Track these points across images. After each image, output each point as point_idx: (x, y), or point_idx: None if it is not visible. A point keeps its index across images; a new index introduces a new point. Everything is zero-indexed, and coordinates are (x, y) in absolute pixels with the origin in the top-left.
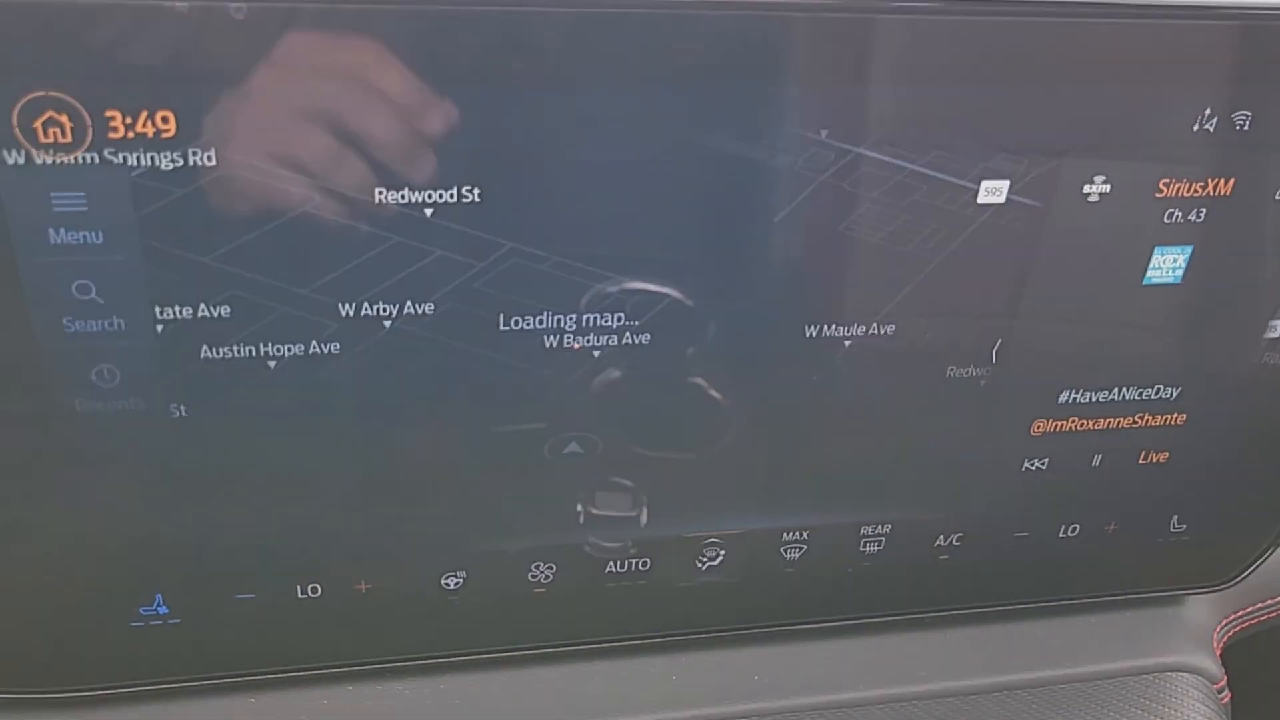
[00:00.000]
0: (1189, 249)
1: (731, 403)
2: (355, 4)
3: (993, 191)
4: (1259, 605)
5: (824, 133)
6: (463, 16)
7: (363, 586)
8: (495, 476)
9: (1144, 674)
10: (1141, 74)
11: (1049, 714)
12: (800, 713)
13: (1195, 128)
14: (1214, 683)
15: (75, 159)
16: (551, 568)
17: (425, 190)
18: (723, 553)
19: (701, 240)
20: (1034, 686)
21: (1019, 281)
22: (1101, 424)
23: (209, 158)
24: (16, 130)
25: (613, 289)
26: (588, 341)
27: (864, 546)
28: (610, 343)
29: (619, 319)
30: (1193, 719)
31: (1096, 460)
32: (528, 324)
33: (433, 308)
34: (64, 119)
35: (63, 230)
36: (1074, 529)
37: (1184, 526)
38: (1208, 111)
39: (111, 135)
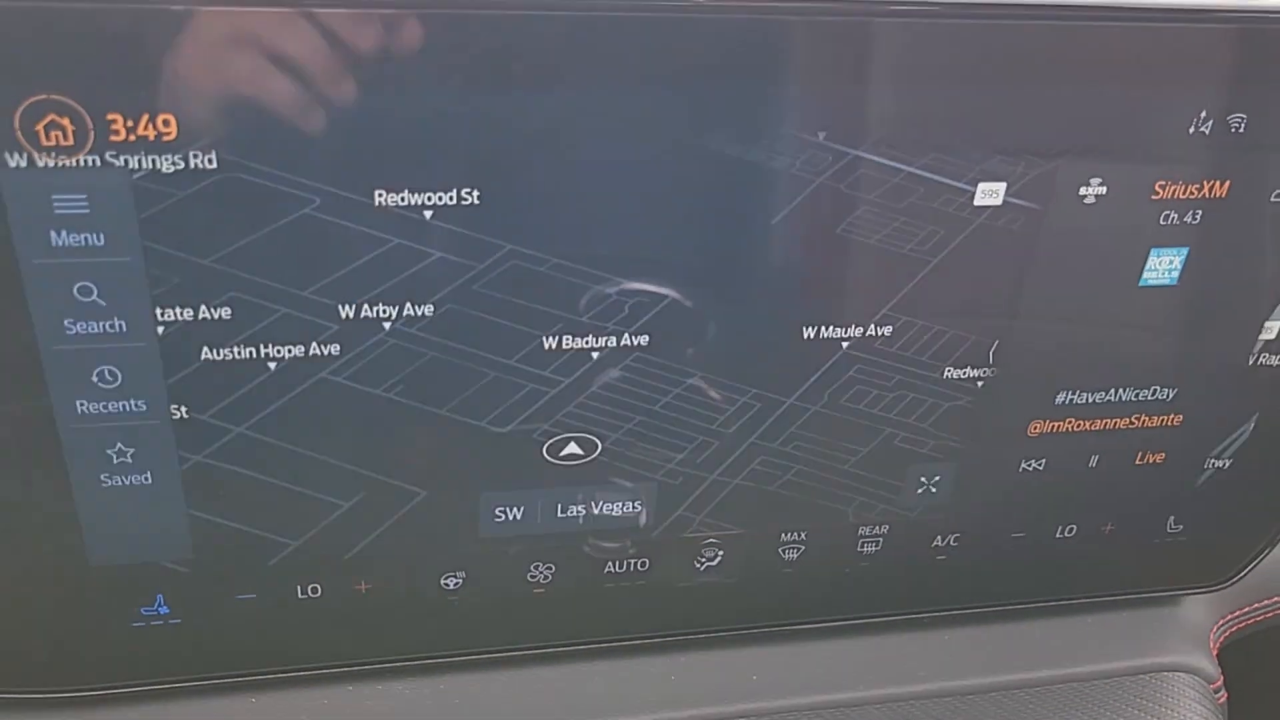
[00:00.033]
0: (1185, 251)
1: (730, 403)
2: (356, 7)
3: (989, 194)
4: (1255, 606)
5: (822, 135)
6: (463, 19)
7: (362, 586)
8: (494, 477)
9: (1141, 674)
10: (1137, 77)
11: (1047, 714)
12: (798, 712)
13: (1191, 130)
14: (1210, 682)
15: (77, 161)
16: (550, 568)
17: (425, 192)
18: (721, 553)
19: (700, 242)
20: (1031, 686)
21: (1016, 283)
22: (1098, 425)
23: (210, 160)
24: (19, 133)
25: (611, 290)
26: (586, 342)
27: (861, 547)
28: (609, 344)
29: (618, 320)
30: (1189, 718)
31: (1093, 461)
32: (527, 325)
33: (432, 309)
34: (66, 122)
35: (64, 232)
36: (1071, 529)
37: (1180, 527)
38: (1203, 114)
39: (113, 138)
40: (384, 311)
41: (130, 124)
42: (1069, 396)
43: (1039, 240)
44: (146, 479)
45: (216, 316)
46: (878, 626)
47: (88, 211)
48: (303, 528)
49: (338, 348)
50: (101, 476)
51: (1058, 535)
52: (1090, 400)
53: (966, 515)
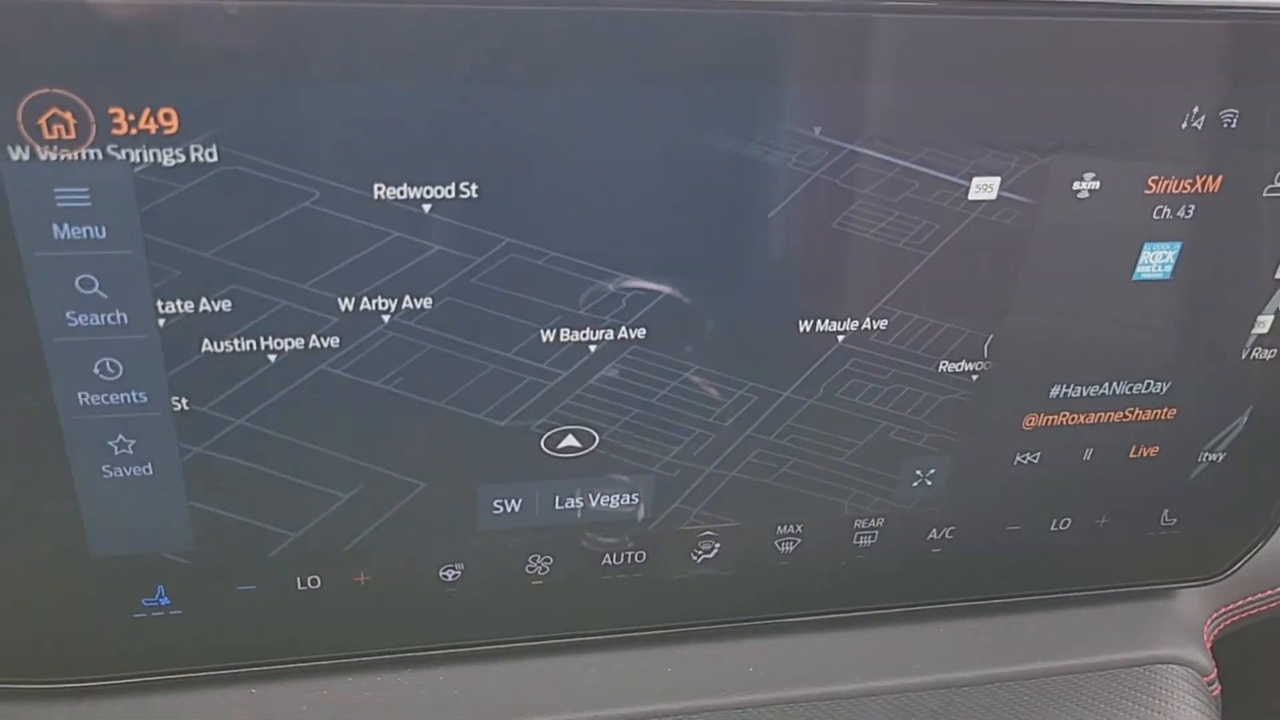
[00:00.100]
0: (1178, 245)
1: (727, 397)
2: (354, 2)
3: (984, 188)
4: (1249, 599)
5: (817, 130)
6: (461, 14)
7: (362, 578)
8: (492, 469)
9: (1135, 666)
10: (1130, 72)
11: (1041, 706)
12: (795, 704)
13: (1184, 125)
14: (1204, 675)
15: (79, 155)
16: (549, 560)
17: (424, 186)
18: (718, 545)
19: (696, 236)
20: (1026, 678)
21: (1010, 277)
22: (1092, 418)
23: (210, 154)
24: (21, 127)
25: (608, 284)
26: (584, 336)
27: (857, 540)
28: (606, 337)
29: (615, 313)
30: (1183, 711)
31: (1087, 454)
32: (525, 318)
33: (431, 302)
34: (68, 116)
35: (66, 225)
36: (1065, 522)
37: (1174, 520)
38: (1196, 109)
39: (115, 132)
40: (383, 304)
41: (132, 118)
42: (1063, 390)
43: (1033, 235)
44: (147, 470)
45: (217, 309)
46: (874, 619)
47: (89, 204)
48: (302, 519)
49: (337, 340)
50: (103, 468)
51: (1052, 528)
52: (1084, 394)
53: (962, 508)
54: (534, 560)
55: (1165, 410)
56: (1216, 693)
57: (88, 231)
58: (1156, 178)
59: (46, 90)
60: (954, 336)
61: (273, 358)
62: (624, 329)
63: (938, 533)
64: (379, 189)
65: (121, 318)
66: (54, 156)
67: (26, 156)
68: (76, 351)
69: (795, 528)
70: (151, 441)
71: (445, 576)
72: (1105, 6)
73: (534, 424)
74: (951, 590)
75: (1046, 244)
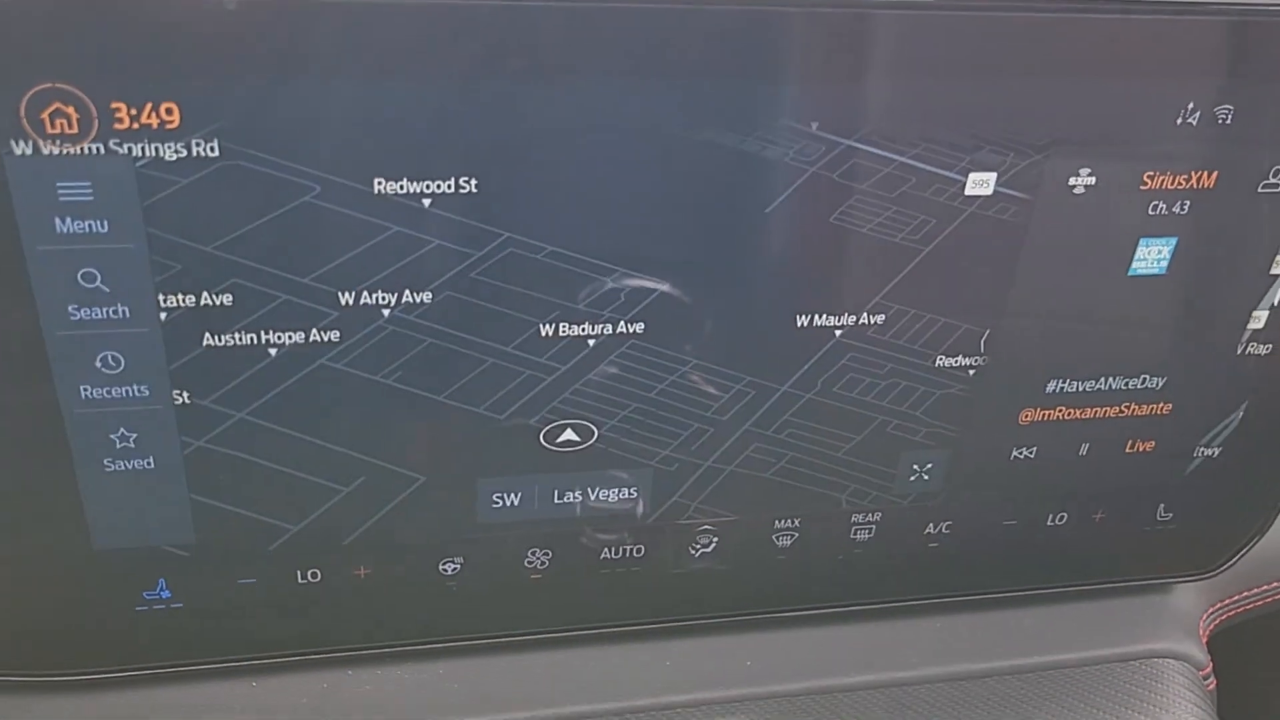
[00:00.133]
0: (1173, 240)
1: (725, 391)
2: None
3: (980, 183)
4: (1245, 594)
5: (815, 125)
6: (460, 10)
7: (361, 571)
8: (492, 463)
9: (1131, 660)
10: (1126, 69)
11: (1038, 699)
12: (792, 697)
13: (1179, 121)
14: (1200, 669)
15: (81, 149)
16: (548, 554)
17: (423, 181)
18: (716, 540)
19: (695, 231)
20: (1023, 672)
21: (1007, 272)
22: (1089, 413)
23: (212, 148)
24: (24, 121)
25: (607, 279)
26: (583, 330)
27: (855, 534)
28: (605, 332)
29: (614, 308)
30: (1178, 704)
31: (1084, 449)
32: (523, 313)
33: (430, 296)
34: (70, 110)
35: (69, 219)
36: (1062, 517)
37: (1170, 515)
38: (1191, 105)
39: (117, 126)
40: (383, 298)
41: (134, 112)
42: (1059, 385)
43: (1029, 230)
44: (149, 464)
45: (218, 303)
46: (871, 613)
47: (92, 199)
48: (302, 512)
49: (337, 334)
50: (105, 461)
51: (1049, 523)
52: (1080, 389)
53: (958, 503)
54: (533, 554)
55: (1161, 405)
56: (1212, 687)
57: (90, 225)
58: (1152, 173)
59: (49, 85)
60: (951, 331)
61: (273, 351)
62: (622, 324)
63: (935, 527)
64: (379, 184)
65: (123, 311)
66: (57, 151)
67: (29, 151)
68: (78, 345)
69: (793, 522)
70: (153, 435)
71: (445, 570)
72: (1100, 3)
73: (533, 418)
74: (948, 584)
75: (1043, 239)
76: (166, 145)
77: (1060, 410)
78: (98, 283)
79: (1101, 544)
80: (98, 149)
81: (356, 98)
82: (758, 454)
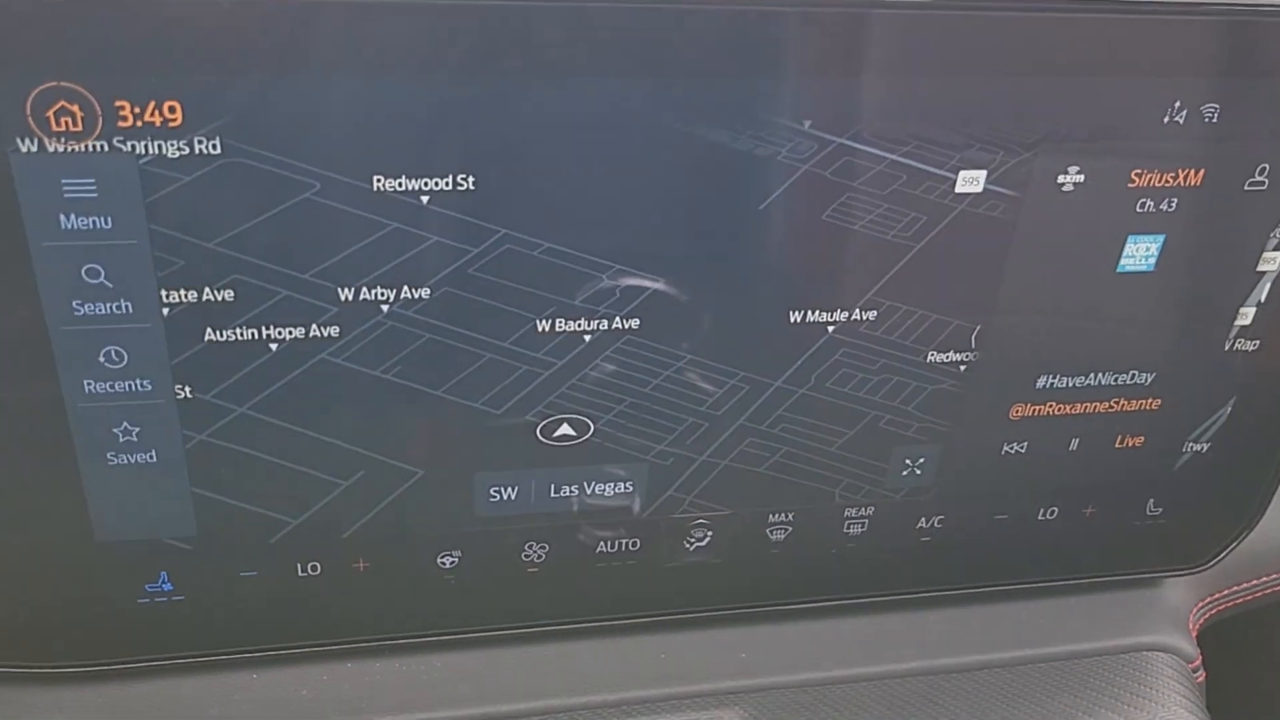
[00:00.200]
0: (1161, 238)
1: (719, 386)
2: None
3: (970, 181)
4: (1234, 588)
5: (807, 123)
6: (458, 9)
7: (361, 565)
8: (489, 457)
9: (1121, 653)
10: (1113, 68)
11: (1029, 691)
12: (786, 689)
13: (1165, 120)
14: (1189, 662)
15: (86, 147)
16: (544, 547)
17: (422, 178)
18: (711, 533)
19: (689, 228)
20: (1014, 665)
21: (997, 269)
22: (1078, 408)
23: (214, 146)
24: (30, 119)
25: (602, 275)
26: (579, 326)
27: (848, 528)
28: (600, 327)
29: (609, 304)
30: (1168, 696)
31: (1074, 444)
32: (520, 308)
33: (429, 292)
34: (75, 108)
35: (73, 216)
36: (1052, 511)
37: (1160, 510)
38: (1177, 104)
39: (121, 124)
40: (382, 294)
41: (137, 110)
42: (1049, 381)
43: (1019, 227)
44: (151, 457)
45: (220, 298)
46: (864, 606)
47: (96, 195)
48: (303, 506)
49: (337, 330)
50: (108, 455)
51: (1040, 517)
52: (1070, 384)
53: (950, 497)
54: (530, 548)
55: (1150, 401)
56: (1201, 679)
57: (94, 222)
58: (1140, 171)
59: (54, 83)
60: (942, 327)
61: (274, 346)
62: (618, 319)
63: (927, 521)
64: (378, 181)
65: (126, 307)
66: (61, 148)
67: (35, 148)
68: (82, 340)
69: (787, 516)
70: (155, 429)
71: (443, 563)
72: (1088, 3)
73: (530, 413)
74: (940, 578)
75: (1032, 236)
76: (169, 143)
77: (1050, 406)
78: (101, 278)
79: (1092, 538)
80: (102, 146)
81: (356, 96)
82: (752, 449)
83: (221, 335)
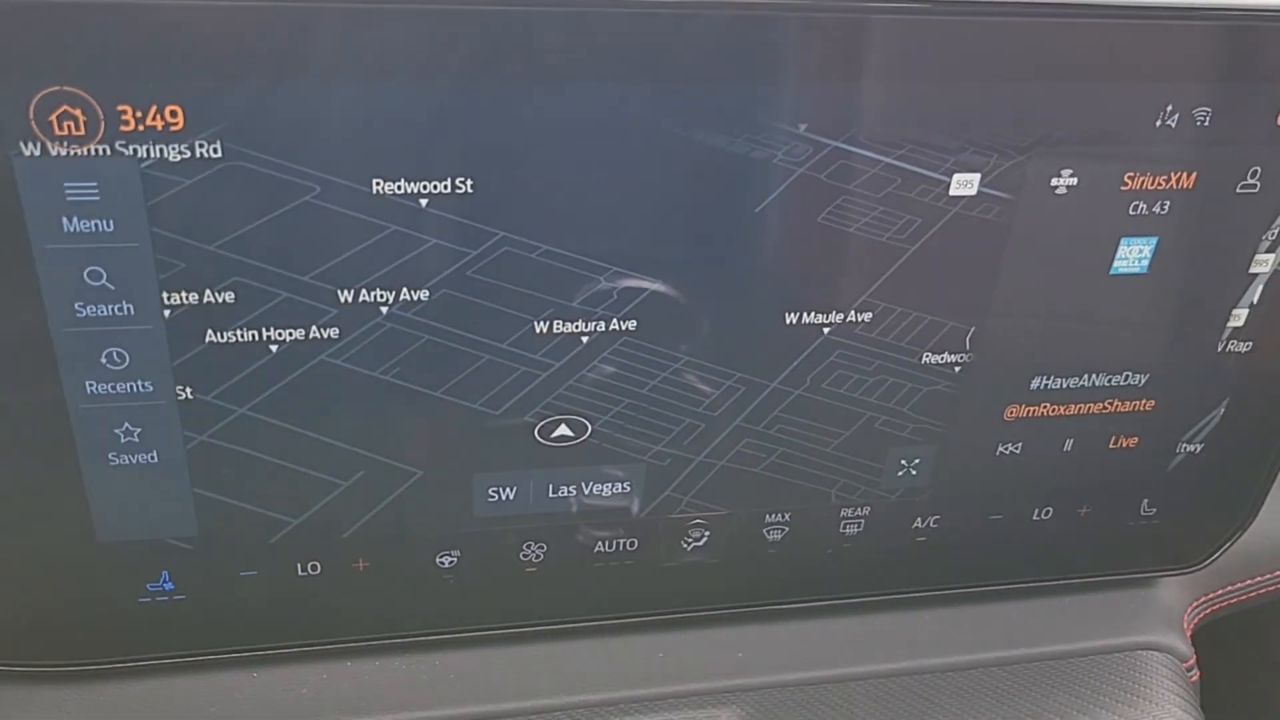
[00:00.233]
0: (1154, 240)
1: (716, 387)
2: (354, 2)
3: (964, 184)
4: (1228, 588)
5: (803, 127)
6: (458, 14)
7: (360, 564)
8: (488, 458)
9: (1115, 652)
10: (1106, 71)
11: (1024, 690)
12: (783, 688)
13: (1158, 123)
14: (1183, 661)
15: (88, 151)
16: (542, 547)
17: (421, 181)
18: (707, 533)
19: (686, 230)
20: (1009, 664)
21: (991, 271)
22: (1073, 410)
23: (215, 150)
24: (32, 123)
25: (600, 277)
26: (577, 327)
27: (844, 528)
28: (598, 329)
29: (607, 306)
30: (1162, 695)
31: (1068, 445)
32: (518, 310)
33: (427, 294)
34: (78, 112)
35: (75, 219)
36: (1047, 512)
37: (1154, 510)
38: (1170, 108)
39: (123, 128)
40: (381, 296)
41: (139, 114)
42: (1044, 382)
43: (1013, 229)
44: (152, 458)
45: (220, 300)
46: (860, 606)
47: (98, 198)
48: (303, 506)
49: (337, 331)
50: (109, 455)
51: (1034, 517)
52: (1064, 385)
53: (945, 497)
54: (528, 547)
55: (1144, 402)
56: (1195, 678)
57: (96, 225)
58: (1132, 174)
59: (57, 88)
60: (937, 329)
61: (274, 348)
62: (615, 321)
63: (922, 521)
64: (378, 184)
65: (128, 309)
66: (64, 152)
67: (38, 152)
68: (84, 341)
69: (783, 516)
70: (156, 429)
71: (442, 563)
72: (1082, 8)
73: (528, 414)
74: (936, 578)
75: (1026, 239)
76: (170, 146)
77: (1045, 407)
78: (103, 281)
79: (1086, 539)
80: (104, 150)
81: (355, 100)
82: (748, 449)
83: (222, 337)
